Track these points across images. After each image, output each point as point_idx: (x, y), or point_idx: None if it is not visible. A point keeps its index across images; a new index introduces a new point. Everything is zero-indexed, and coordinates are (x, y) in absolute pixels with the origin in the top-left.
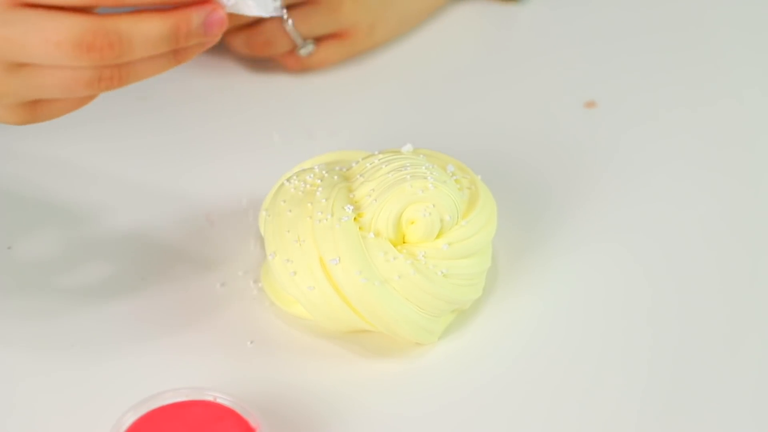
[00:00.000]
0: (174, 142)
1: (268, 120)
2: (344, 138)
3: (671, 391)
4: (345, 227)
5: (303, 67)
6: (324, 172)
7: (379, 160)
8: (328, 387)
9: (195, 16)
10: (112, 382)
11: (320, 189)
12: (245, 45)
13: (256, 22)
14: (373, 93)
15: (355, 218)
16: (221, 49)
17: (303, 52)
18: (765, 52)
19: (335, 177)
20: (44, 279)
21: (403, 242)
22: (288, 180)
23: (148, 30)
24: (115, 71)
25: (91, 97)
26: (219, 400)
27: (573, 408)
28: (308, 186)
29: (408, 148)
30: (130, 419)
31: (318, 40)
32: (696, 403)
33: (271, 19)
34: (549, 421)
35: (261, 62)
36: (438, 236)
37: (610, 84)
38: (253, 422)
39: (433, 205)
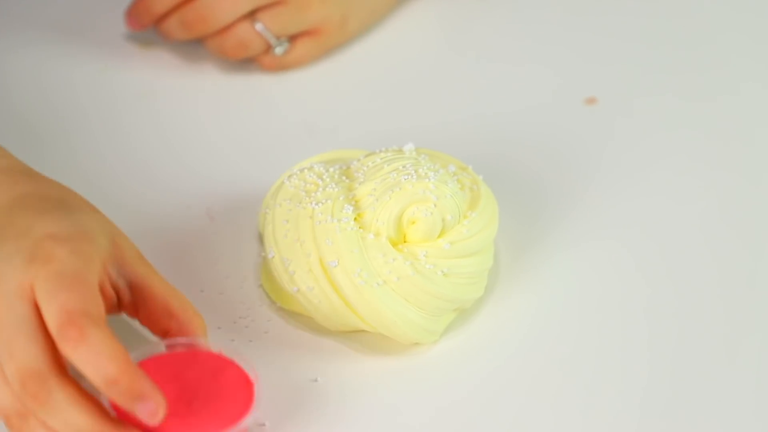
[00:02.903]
0: (176, 138)
1: (269, 117)
2: (345, 136)
3: (671, 387)
4: (345, 229)
5: (280, 67)
6: (324, 170)
7: (380, 159)
8: (329, 384)
9: None
10: None
11: (320, 188)
12: (219, 49)
13: (227, 26)
14: (375, 91)
15: (355, 218)
16: None
17: (278, 51)
18: (764, 47)
19: (336, 176)
20: None
21: (404, 242)
22: (288, 178)
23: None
24: None
25: None
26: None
27: (574, 405)
28: (308, 185)
29: (410, 147)
30: (136, 359)
31: (291, 38)
32: (695, 400)
33: (242, 22)
34: (550, 418)
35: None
36: (440, 236)
37: (610, 81)
38: (252, 375)
39: (435, 205)
